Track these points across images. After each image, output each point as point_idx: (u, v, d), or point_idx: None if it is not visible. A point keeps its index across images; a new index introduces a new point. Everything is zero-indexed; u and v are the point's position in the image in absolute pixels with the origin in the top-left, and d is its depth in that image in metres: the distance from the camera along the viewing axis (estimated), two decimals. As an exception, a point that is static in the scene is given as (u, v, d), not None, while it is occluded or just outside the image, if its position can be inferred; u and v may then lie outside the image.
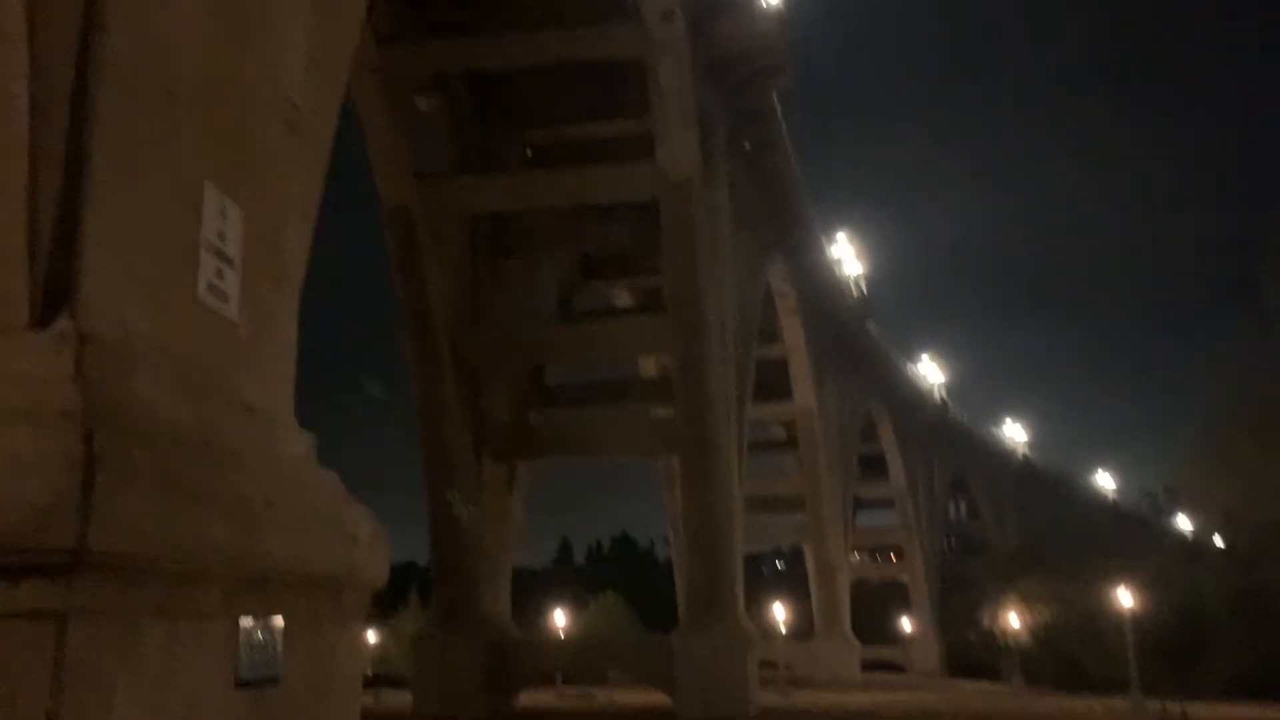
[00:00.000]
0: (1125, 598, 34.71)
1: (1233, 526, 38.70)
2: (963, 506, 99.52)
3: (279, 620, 4.32)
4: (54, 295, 3.81)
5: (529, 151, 34.43)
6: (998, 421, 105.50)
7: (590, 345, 34.44)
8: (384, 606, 57.68)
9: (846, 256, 62.50)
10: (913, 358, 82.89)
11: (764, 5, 33.74)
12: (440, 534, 31.73)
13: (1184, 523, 77.94)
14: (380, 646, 61.46)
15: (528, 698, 33.78)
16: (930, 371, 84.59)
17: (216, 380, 4.45)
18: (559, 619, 46.85)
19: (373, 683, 46.15)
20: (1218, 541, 51.94)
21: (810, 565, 61.15)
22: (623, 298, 41.90)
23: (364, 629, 5.24)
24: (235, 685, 4.00)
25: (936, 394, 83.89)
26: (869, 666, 64.55)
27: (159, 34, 4.34)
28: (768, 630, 48.86)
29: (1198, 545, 61.89)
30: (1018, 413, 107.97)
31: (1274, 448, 26.77)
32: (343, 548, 4.71)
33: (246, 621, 4.11)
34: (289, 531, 4.30)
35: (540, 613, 50.91)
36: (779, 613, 52.88)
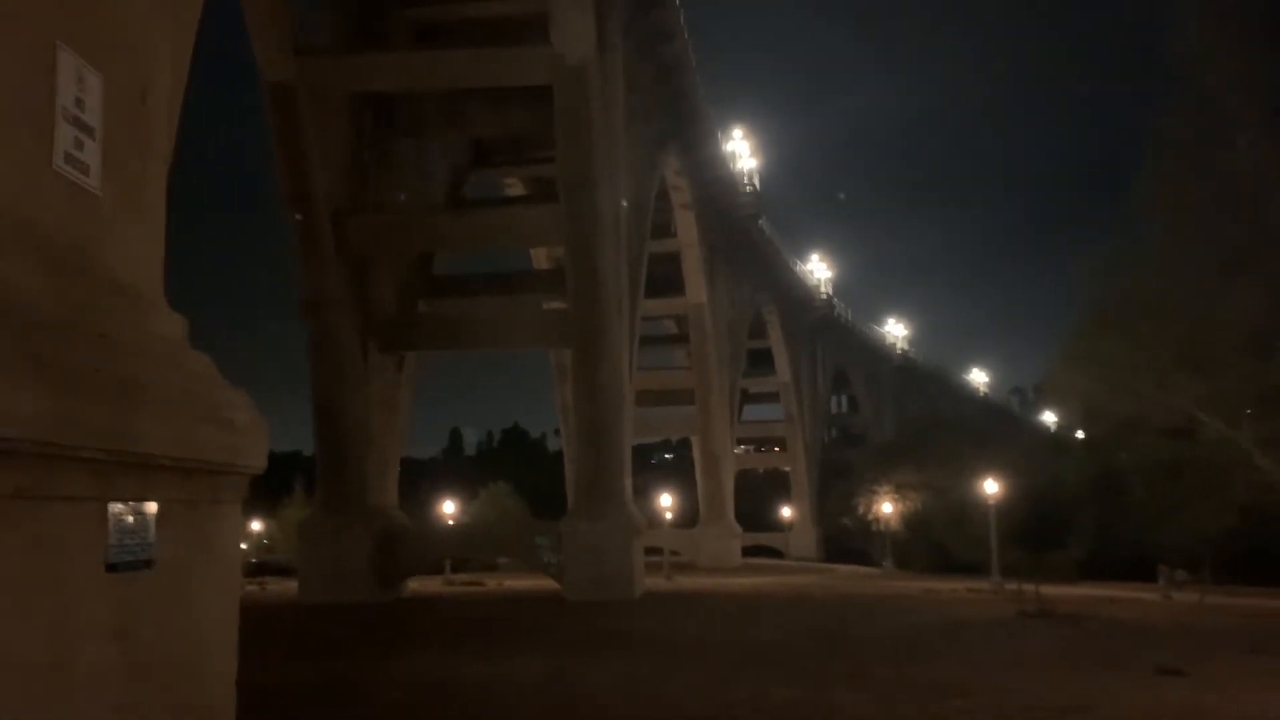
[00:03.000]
0: (990, 486, 36.74)
1: (1094, 420, 41.14)
2: (844, 401, 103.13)
3: (151, 505, 4.24)
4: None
5: (418, 29, 33.07)
6: (880, 319, 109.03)
7: (481, 234, 33.89)
8: (270, 496, 57.11)
9: (742, 152, 62.61)
10: (802, 255, 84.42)
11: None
12: (325, 423, 31.38)
13: (1050, 418, 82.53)
14: (266, 535, 61.08)
15: (416, 585, 34.12)
16: (818, 269, 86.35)
17: (79, 256, 4.23)
18: (448, 508, 47.15)
19: (258, 571, 45.98)
20: (1080, 436, 55.31)
21: (697, 456, 62.76)
22: (515, 186, 41.27)
23: (242, 515, 5.18)
24: (105, 569, 3.93)
25: (823, 291, 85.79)
26: (751, 553, 67.23)
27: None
28: (654, 519, 50.22)
29: (1061, 438, 65.76)
30: (900, 311, 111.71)
31: (1136, 343, 28.33)
32: (218, 431, 4.61)
33: (117, 506, 4.02)
34: (161, 414, 4.18)
35: (430, 503, 51.19)
36: (665, 501, 54.29)
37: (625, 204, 33.67)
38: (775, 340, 74.68)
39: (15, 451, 3.46)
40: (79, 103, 4.46)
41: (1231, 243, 27.01)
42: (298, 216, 29.98)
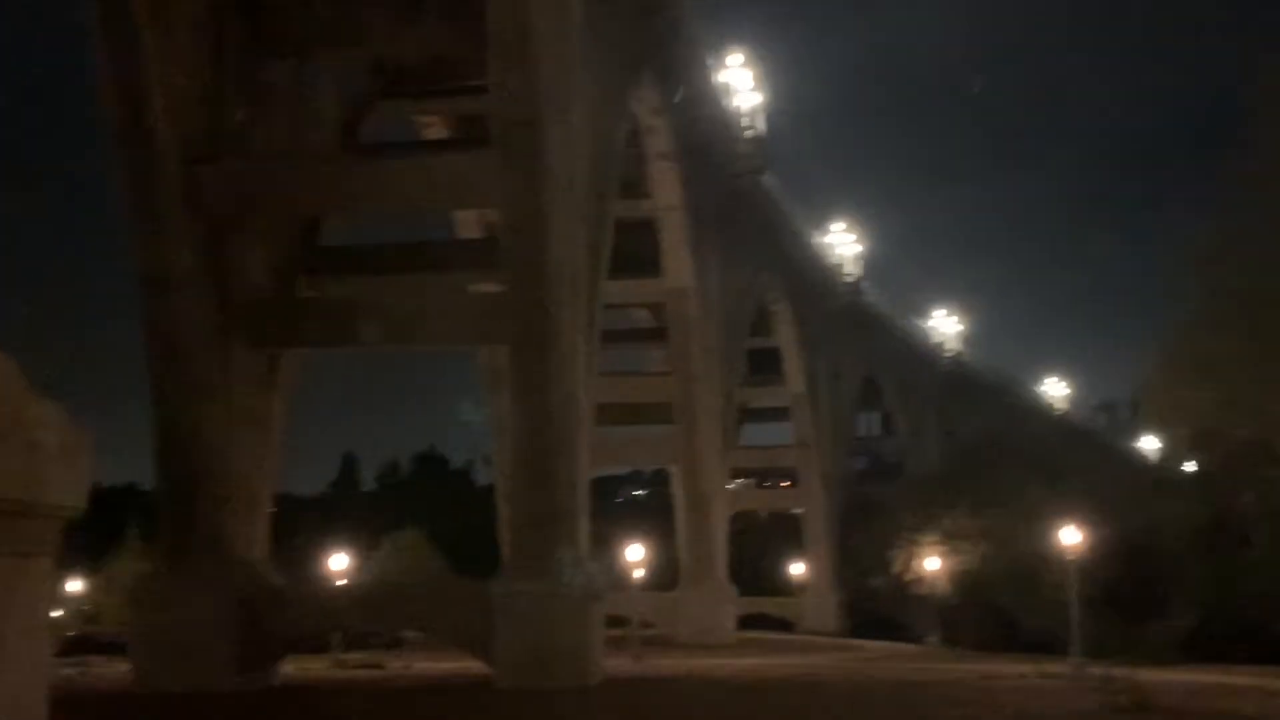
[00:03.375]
0: (1070, 536, 37.02)
1: (1207, 447, 41.60)
2: (875, 420, 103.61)
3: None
4: None
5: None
6: (925, 312, 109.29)
7: (387, 190, 33.65)
8: (96, 546, 56.45)
9: (741, 83, 62.66)
10: (821, 224, 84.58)
11: None
12: (169, 445, 31.08)
13: (1150, 444, 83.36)
14: (89, 599, 60.38)
15: (294, 667, 33.80)
16: (843, 244, 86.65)
17: None
18: (338, 562, 46.88)
19: (78, 648, 45.43)
20: (1189, 468, 55.83)
21: (678, 493, 62.67)
22: (435, 126, 41.17)
23: (53, 569, 5.07)
24: None
25: (849, 273, 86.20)
26: (750, 623, 67.29)
27: None
28: (620, 577, 49.98)
29: (1163, 471, 66.42)
30: (951, 301, 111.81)
31: (1260, 350, 28.63)
32: (19, 458, 4.49)
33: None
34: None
35: (314, 555, 50.79)
36: (635, 555, 54.17)
37: (582, 152, 33.59)
38: (785, 338, 74.91)
39: None
40: None
41: None
42: (132, 163, 29.70)
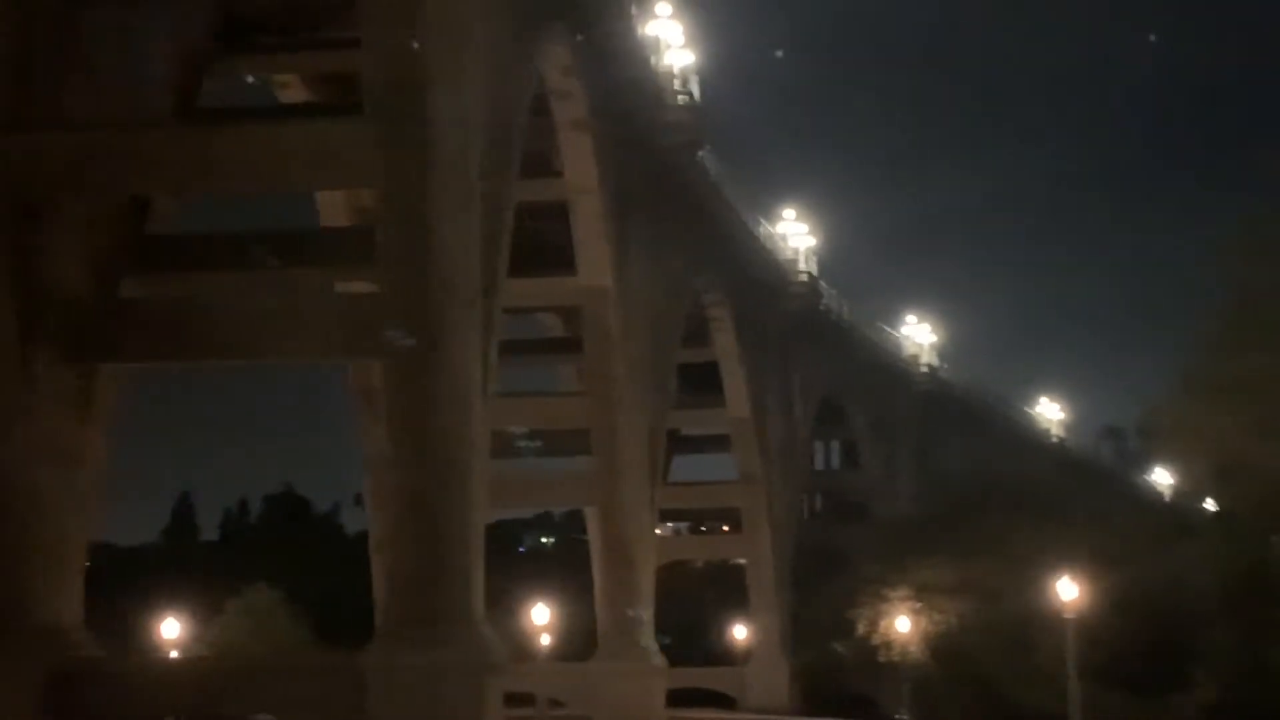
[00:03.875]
0: (1068, 590, 37.32)
1: (1232, 482, 42.03)
2: (836, 450, 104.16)
3: None
4: None
5: None
6: (892, 318, 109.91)
7: (231, 165, 33.34)
8: None
9: (672, 38, 62.62)
10: (770, 212, 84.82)
11: None
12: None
13: (1163, 478, 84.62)
14: None
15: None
16: (796, 234, 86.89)
17: None
18: (171, 629, 46.30)
19: None
20: (1212, 508, 56.56)
21: (596, 541, 62.46)
22: (292, 87, 40.88)
23: None
24: None
25: (804, 270, 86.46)
26: (683, 698, 67.20)
27: None
28: (523, 646, 49.75)
29: (1180, 511, 67.35)
30: (921, 305, 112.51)
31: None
32: None
33: None
34: None
35: (141, 619, 50.18)
36: (542, 617, 53.97)
37: (476, 120, 33.45)
38: (726, 351, 74.96)
39: None
40: None
41: None
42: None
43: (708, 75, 65.52)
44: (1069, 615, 37.07)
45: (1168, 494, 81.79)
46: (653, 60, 59.02)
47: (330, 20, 34.73)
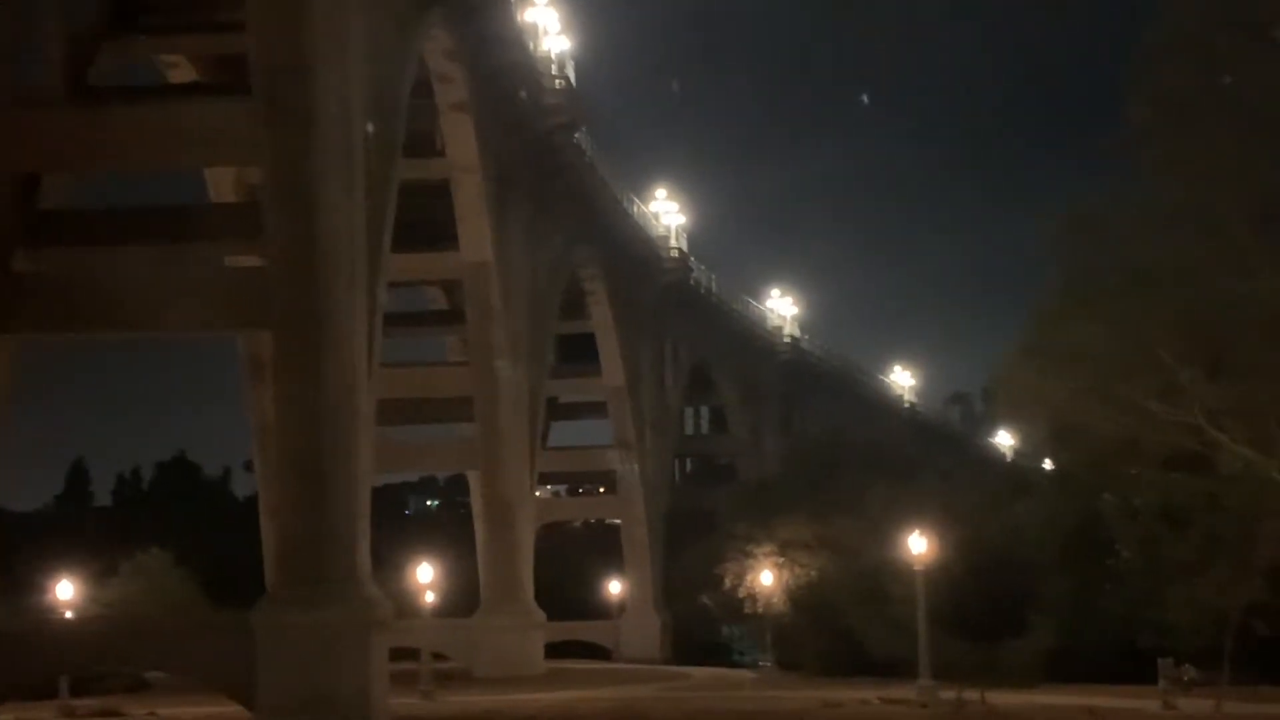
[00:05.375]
0: (917, 544, 37.90)
1: (1067, 443, 42.74)
2: (706, 415, 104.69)
3: None
4: None
5: None
6: (758, 292, 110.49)
7: (123, 144, 32.91)
8: None
9: (549, 24, 62.44)
10: (643, 190, 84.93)
11: None
12: None
13: (1005, 440, 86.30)
14: None
15: (13, 716, 32.88)
16: (667, 212, 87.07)
17: None
18: (65, 590, 45.52)
19: None
20: (1048, 467, 57.74)
21: (477, 503, 62.36)
22: (180, 67, 40.18)
23: None
24: None
25: (675, 246, 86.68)
26: (561, 651, 67.36)
27: None
28: (408, 603, 49.41)
29: (1020, 470, 68.72)
30: (788, 280, 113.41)
31: (1125, 331, 29.57)
32: None
33: None
34: None
35: (35, 581, 49.32)
36: (426, 575, 53.70)
37: (357, 101, 33.17)
38: (602, 322, 75.01)
39: None
40: None
41: (1261, 189, 28.63)
42: None
43: (583, 60, 65.63)
44: (919, 568, 37.59)
45: (1009, 455, 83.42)
46: (531, 46, 58.85)
47: (218, 3, 34.17)
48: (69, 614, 44.35)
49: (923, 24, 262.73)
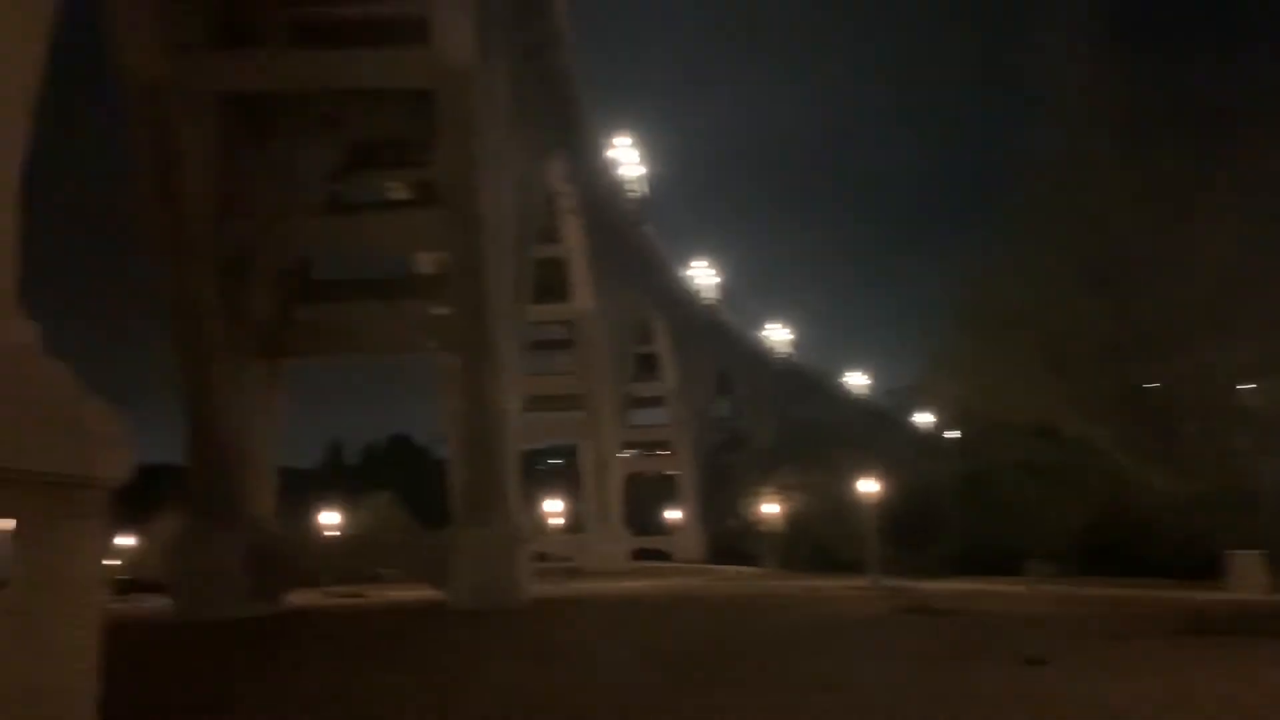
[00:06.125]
0: (869, 486, 37.81)
1: (965, 422, 42.84)
2: (728, 405, 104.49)
3: (4, 521, 4.06)
4: None
5: (294, 29, 32.19)
6: (765, 323, 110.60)
7: (360, 237, 33.31)
8: (142, 510, 54.63)
9: (628, 158, 63.03)
10: (689, 259, 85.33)
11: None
12: (197, 433, 30.29)
13: (925, 419, 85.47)
14: (137, 551, 58.53)
15: (297, 599, 33.18)
16: (704, 274, 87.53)
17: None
18: (328, 519, 46.04)
19: (129, 588, 44.11)
20: (952, 436, 57.39)
21: (585, 461, 62.73)
22: (398, 189, 40.53)
23: (104, 529, 5.01)
24: (-48, 588, 3.75)
25: (709, 296, 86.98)
26: (639, 556, 67.52)
27: None
28: (542, 525, 49.85)
29: (933, 439, 68.15)
30: (784, 314, 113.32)
31: (1001, 351, 29.65)
32: (75, 443, 4.44)
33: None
34: (8, 425, 4.01)
35: (309, 513, 49.87)
36: (553, 507, 54.17)
37: (509, 209, 33.50)
38: (662, 345, 75.28)
39: None
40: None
41: (1089, 260, 28.52)
42: (164, 219, 28.91)
43: (651, 176, 65.91)
44: (870, 501, 37.50)
45: (927, 429, 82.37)
46: (617, 171, 59.40)
47: (421, 148, 34.65)
48: (331, 533, 44.84)
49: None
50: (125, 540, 56.65)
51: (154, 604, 34.65)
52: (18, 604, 4.02)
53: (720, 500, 71.08)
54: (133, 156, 28.81)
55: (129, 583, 46.30)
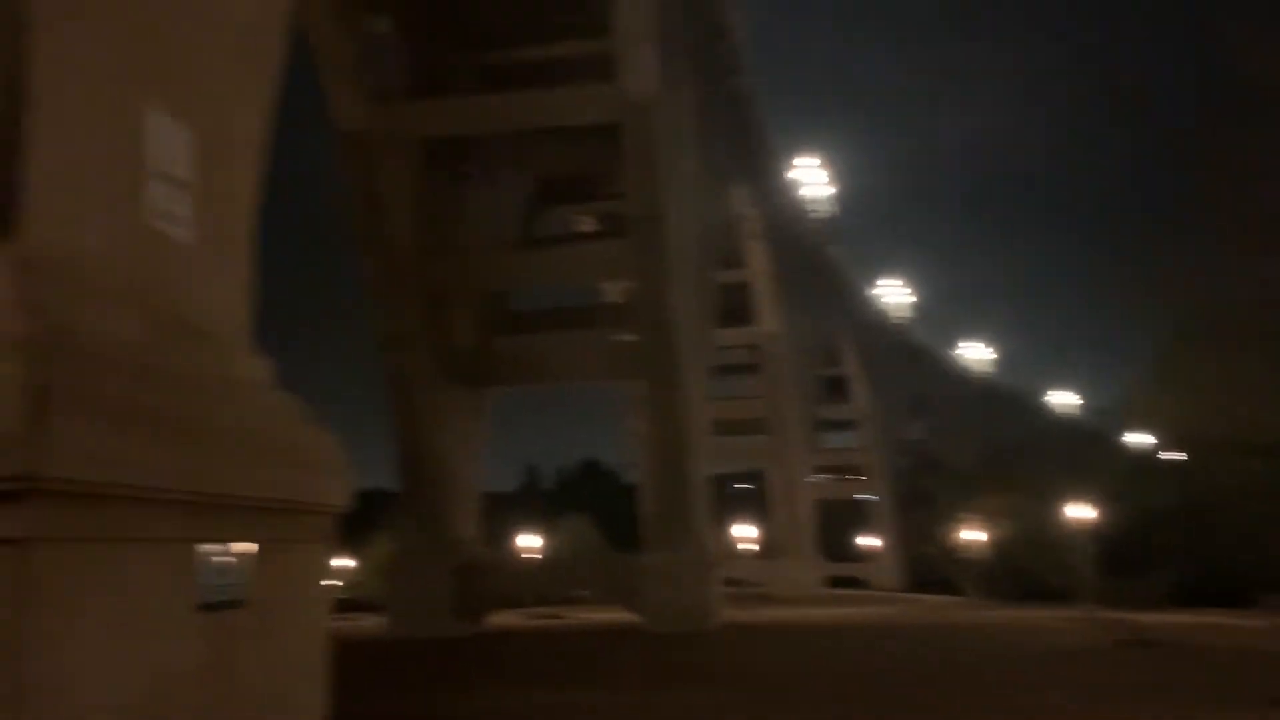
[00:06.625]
0: (1080, 511, 35.66)
1: (1188, 443, 39.78)
2: (924, 426, 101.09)
3: (240, 545, 4.36)
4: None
5: (485, 73, 33.66)
6: (962, 342, 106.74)
7: (553, 270, 34.12)
8: (355, 533, 57.85)
9: (813, 178, 62.38)
10: (879, 279, 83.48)
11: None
12: (408, 460, 31.74)
13: (1140, 439, 79.89)
14: (353, 571, 62.01)
15: (498, 619, 34.19)
16: (895, 293, 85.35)
17: (169, 304, 4.40)
18: (527, 542, 47.26)
19: (347, 606, 46.63)
20: (1171, 457, 53.32)
21: (774, 485, 62.11)
22: (587, 221, 41.53)
23: (329, 552, 5.29)
24: (197, 608, 4.05)
25: (900, 316, 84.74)
26: (832, 583, 66.11)
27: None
28: (731, 549, 49.59)
29: (1151, 461, 63.55)
30: (983, 332, 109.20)
31: (1221, 367, 27.43)
32: (304, 473, 4.72)
33: (206, 546, 4.14)
34: (247, 456, 4.32)
35: (508, 536, 51.34)
36: (743, 531, 53.83)
37: (694, 235, 33.64)
38: (852, 366, 73.85)
39: (111, 496, 3.59)
40: (169, 157, 4.66)
41: None
42: (373, 258, 30.63)
43: (838, 195, 64.90)
44: (1081, 527, 35.39)
45: (1143, 450, 77.01)
46: (801, 193, 58.86)
47: (608, 181, 35.32)
48: (530, 555, 45.88)
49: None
50: (344, 562, 60.15)
51: (370, 622, 36.53)
52: (255, 623, 4.28)
53: (916, 526, 68.64)
54: (345, 198, 30.74)
55: (348, 602, 49.02)
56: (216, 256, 4.96)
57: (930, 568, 68.05)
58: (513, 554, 47.43)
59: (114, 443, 3.55)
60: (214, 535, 4.24)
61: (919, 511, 69.36)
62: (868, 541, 77.50)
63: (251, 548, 4.48)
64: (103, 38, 4.25)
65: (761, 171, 48.01)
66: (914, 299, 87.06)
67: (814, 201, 61.67)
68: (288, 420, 4.96)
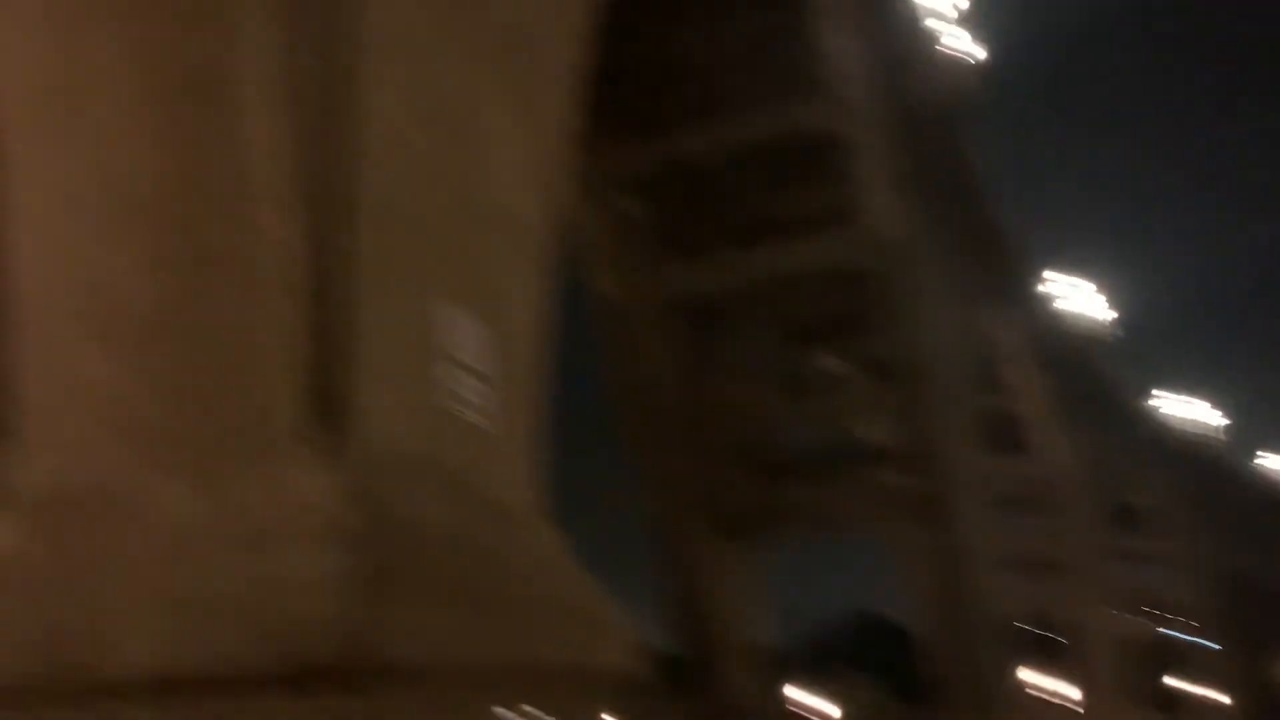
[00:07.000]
0: None
1: None
2: (1257, 556, 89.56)
3: (539, 712, 4.57)
4: (328, 414, 4.26)
5: (730, 231, 34.63)
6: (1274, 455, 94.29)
7: (812, 415, 34.02)
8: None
9: (1083, 294, 58.90)
10: (1177, 394, 76.17)
11: (953, 47, 33.08)
12: (682, 616, 31.71)
13: None
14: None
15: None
16: (1200, 411, 77.38)
17: (476, 487, 4.85)
18: (821, 706, 45.24)
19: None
20: None
21: (1072, 628, 56.75)
22: (844, 363, 41.02)
23: (618, 710, 5.46)
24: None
25: (1208, 435, 76.61)
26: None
27: (397, 172, 4.88)
28: (1033, 696, 45.30)
29: None
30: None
31: None
32: (598, 642, 4.94)
33: (507, 714, 4.37)
34: (549, 628, 4.59)
35: (780, 690, 49.52)
36: (1045, 683, 49.17)
37: (956, 367, 32.60)
38: (1159, 493, 67.26)
39: (437, 673, 3.89)
40: (464, 347, 5.24)
41: None
42: (635, 415, 31.72)
43: (1118, 315, 60.80)
44: None
45: None
46: (1072, 311, 55.91)
47: (862, 323, 34.81)
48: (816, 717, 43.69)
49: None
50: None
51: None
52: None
53: (1259, 673, 60.21)
54: (607, 363, 32.30)
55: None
56: (511, 437, 5.44)
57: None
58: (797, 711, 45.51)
59: (442, 625, 3.87)
60: (516, 702, 4.48)
61: (1259, 657, 61.06)
62: (1190, 688, 68.52)
63: (550, 713, 4.70)
64: (407, 240, 4.89)
65: (1021, 294, 46.15)
66: (1222, 414, 78.22)
67: (1088, 319, 58.01)
68: (583, 592, 5.25)
